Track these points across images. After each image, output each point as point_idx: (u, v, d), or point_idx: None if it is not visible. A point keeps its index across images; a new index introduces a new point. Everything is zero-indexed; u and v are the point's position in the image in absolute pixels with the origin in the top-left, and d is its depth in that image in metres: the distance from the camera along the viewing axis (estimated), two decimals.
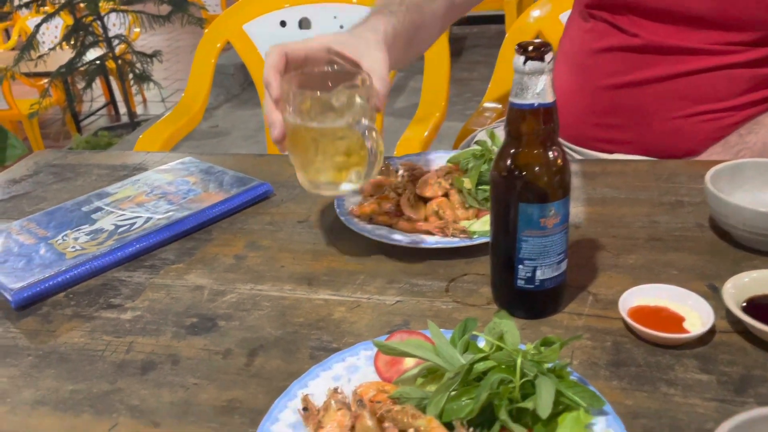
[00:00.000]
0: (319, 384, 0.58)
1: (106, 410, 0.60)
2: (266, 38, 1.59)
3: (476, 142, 0.90)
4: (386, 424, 0.50)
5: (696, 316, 0.63)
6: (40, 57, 3.66)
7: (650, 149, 1.07)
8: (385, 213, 0.84)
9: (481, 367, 0.53)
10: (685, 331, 0.61)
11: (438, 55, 1.45)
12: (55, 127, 4.58)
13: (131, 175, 1.05)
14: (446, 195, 0.86)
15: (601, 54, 1.09)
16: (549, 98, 0.58)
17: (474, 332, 0.59)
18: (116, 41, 3.94)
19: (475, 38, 5.26)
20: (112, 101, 4.71)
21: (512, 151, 0.61)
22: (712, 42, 1.01)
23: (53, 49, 3.86)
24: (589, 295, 0.69)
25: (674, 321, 0.63)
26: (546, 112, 0.59)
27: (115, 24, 4.08)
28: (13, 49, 4.54)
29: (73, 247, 0.84)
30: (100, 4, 3.78)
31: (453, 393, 0.52)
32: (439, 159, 0.96)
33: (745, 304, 0.63)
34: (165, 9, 3.79)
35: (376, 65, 0.75)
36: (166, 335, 0.70)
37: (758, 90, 1.02)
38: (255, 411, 0.58)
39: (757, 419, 0.45)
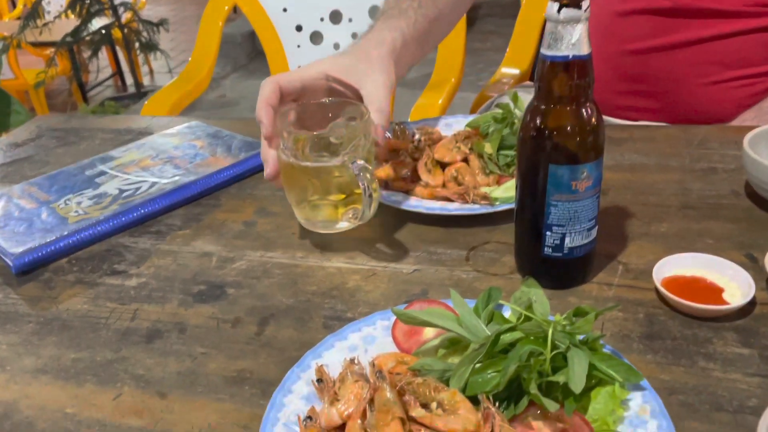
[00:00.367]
0: (333, 354, 0.54)
1: (110, 379, 0.58)
2: (276, 2, 1.53)
3: (497, 105, 0.85)
4: (407, 397, 0.46)
5: (735, 287, 0.59)
6: (45, 25, 3.61)
7: (678, 117, 1.03)
8: (401, 178, 0.80)
9: (508, 338, 0.49)
10: (725, 303, 0.57)
11: None
12: (62, 97, 4.54)
13: (136, 139, 1.01)
14: (465, 160, 0.82)
15: (627, 17, 1.04)
16: (584, 50, 0.54)
17: (499, 302, 0.55)
18: (122, 9, 3.87)
19: (488, 7, 5.14)
20: (118, 72, 4.65)
21: (542, 108, 0.57)
22: (747, 3, 0.95)
23: (58, 17, 3.80)
24: (619, 265, 0.65)
25: (712, 292, 0.59)
26: (581, 66, 0.54)
27: None
28: (18, 18, 4.48)
29: (76, 211, 0.80)
30: None
31: (478, 365, 0.49)
32: (458, 123, 0.92)
33: None
34: None
35: (375, 94, 0.72)
36: (173, 303, 0.67)
37: None
38: (266, 382, 0.55)
39: None
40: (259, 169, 0.91)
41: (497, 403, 0.46)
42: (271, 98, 0.71)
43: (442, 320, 0.52)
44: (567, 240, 0.60)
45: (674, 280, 0.60)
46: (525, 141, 0.58)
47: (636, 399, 0.48)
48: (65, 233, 0.76)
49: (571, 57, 0.54)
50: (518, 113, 0.83)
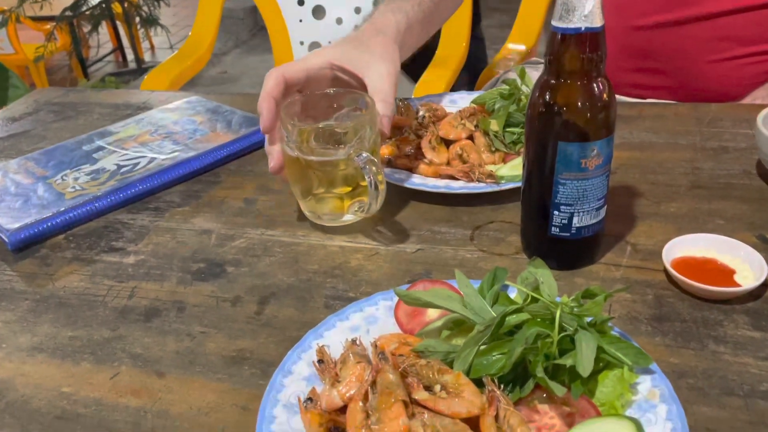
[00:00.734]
0: (335, 335, 0.53)
1: (108, 358, 0.56)
2: None
3: (504, 82, 0.83)
4: (410, 380, 0.45)
5: (747, 268, 0.57)
6: None
7: (687, 95, 1.00)
8: (404, 156, 0.79)
9: (514, 319, 0.48)
10: (736, 285, 0.56)
11: None
12: (62, 73, 4.50)
13: (135, 114, 0.99)
14: (470, 138, 0.80)
15: None
16: (597, 22, 0.52)
17: (505, 282, 0.54)
18: None
19: None
20: (119, 47, 4.60)
21: (552, 82, 0.55)
22: None
23: None
24: (628, 245, 0.64)
25: (723, 274, 0.57)
26: (593, 38, 0.52)
27: None
28: None
29: (73, 187, 0.79)
30: None
31: (483, 347, 0.48)
32: (463, 100, 0.90)
33: None
34: None
35: (379, 84, 0.70)
36: (171, 281, 0.65)
37: None
38: (266, 362, 0.54)
39: None
40: (260, 145, 0.89)
41: (502, 386, 0.45)
42: (274, 90, 0.69)
43: (446, 301, 0.51)
44: (575, 220, 0.58)
45: (684, 261, 0.59)
46: (534, 117, 0.57)
47: (645, 383, 0.47)
48: (62, 209, 0.74)
49: (583, 29, 0.52)
50: (526, 89, 0.81)
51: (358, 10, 1.51)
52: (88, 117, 1.03)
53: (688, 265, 0.58)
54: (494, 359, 0.47)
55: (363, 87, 0.72)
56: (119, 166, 0.83)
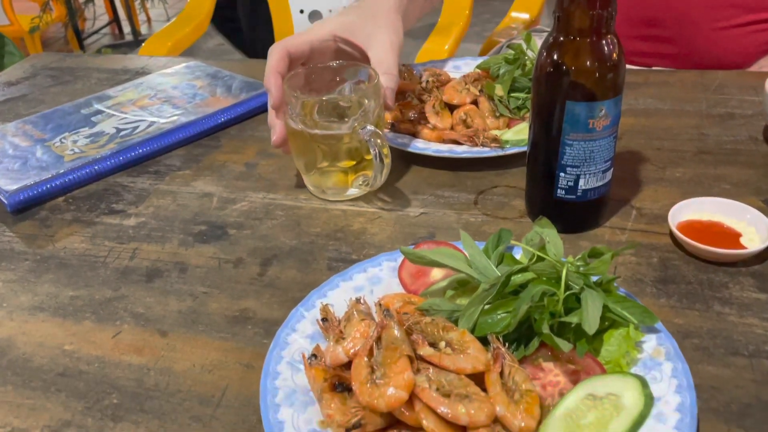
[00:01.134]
0: (338, 294, 0.53)
1: (109, 317, 0.56)
2: None
3: (509, 47, 0.81)
4: (414, 337, 0.45)
5: (753, 231, 0.57)
6: None
7: (693, 63, 0.99)
8: (408, 120, 0.78)
9: (519, 279, 0.48)
10: (742, 248, 0.55)
11: None
12: (58, 45, 4.44)
13: (133, 79, 0.98)
14: (475, 102, 0.79)
15: None
16: None
17: (510, 242, 0.53)
18: None
19: None
20: (115, 19, 4.54)
21: (561, 40, 0.54)
22: None
23: None
24: (633, 209, 0.63)
25: (729, 237, 0.57)
26: None
27: None
28: None
29: (72, 150, 0.78)
30: None
31: (488, 306, 0.47)
32: (467, 66, 0.89)
33: None
34: None
35: (383, 56, 0.69)
36: (173, 242, 0.65)
37: None
38: (269, 321, 0.54)
39: None
40: (261, 110, 0.88)
41: (507, 344, 0.45)
42: (279, 65, 0.68)
43: (451, 260, 0.51)
44: (581, 182, 0.58)
45: (690, 224, 0.58)
46: (541, 76, 0.56)
47: (650, 341, 0.46)
48: (61, 171, 0.74)
49: None
50: (531, 54, 0.79)
51: None
52: (86, 82, 1.02)
53: (693, 228, 0.58)
54: (499, 317, 0.47)
55: (366, 58, 0.71)
56: (118, 130, 0.82)
